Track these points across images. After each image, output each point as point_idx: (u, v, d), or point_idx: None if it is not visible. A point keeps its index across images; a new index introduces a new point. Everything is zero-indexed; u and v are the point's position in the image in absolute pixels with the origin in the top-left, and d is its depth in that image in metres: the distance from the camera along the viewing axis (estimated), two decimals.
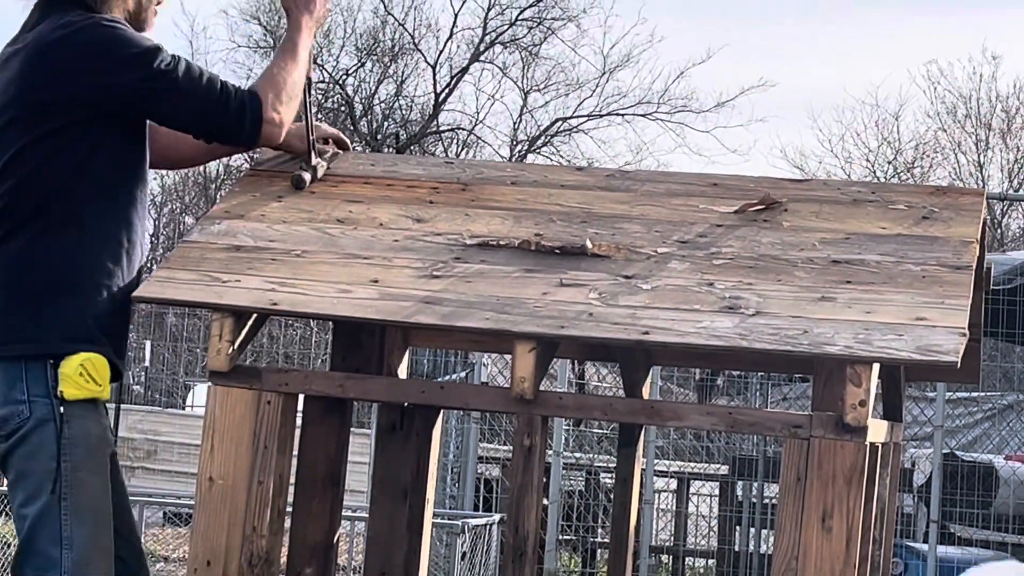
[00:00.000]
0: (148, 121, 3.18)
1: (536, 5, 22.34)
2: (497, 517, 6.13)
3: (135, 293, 3.13)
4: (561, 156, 23.24)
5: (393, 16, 22.17)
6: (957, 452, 8.14)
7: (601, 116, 23.35)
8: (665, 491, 8.10)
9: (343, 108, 22.87)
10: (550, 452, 6.57)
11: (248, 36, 23.99)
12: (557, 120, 23.66)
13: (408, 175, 3.66)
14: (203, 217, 3.61)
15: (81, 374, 2.99)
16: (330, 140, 3.68)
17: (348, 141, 3.76)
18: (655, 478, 6.90)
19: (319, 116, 18.31)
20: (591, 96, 23.16)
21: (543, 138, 23.68)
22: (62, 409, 2.99)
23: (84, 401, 3.03)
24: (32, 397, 3.03)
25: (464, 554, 5.42)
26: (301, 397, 3.36)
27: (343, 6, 22.40)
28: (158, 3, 3.33)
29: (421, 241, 3.33)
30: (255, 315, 3.14)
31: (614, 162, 21.84)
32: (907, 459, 6.59)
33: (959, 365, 2.89)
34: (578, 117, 23.48)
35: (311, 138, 3.47)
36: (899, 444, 4.10)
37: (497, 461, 7.78)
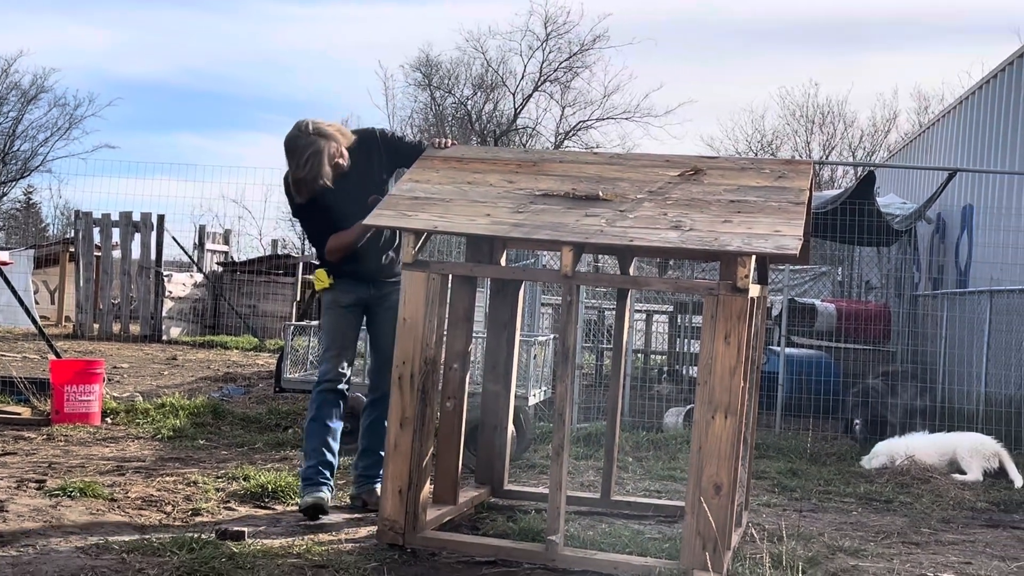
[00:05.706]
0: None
1: (569, 60, 35.47)
2: (552, 336, 8.12)
3: (363, 222, 4.57)
4: (582, 143, 35.91)
5: (492, 67, 35.96)
6: (795, 298, 12.05)
7: (603, 120, 36.53)
8: (639, 320, 12.07)
9: (466, 118, 36.01)
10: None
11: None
12: (578, 123, 36.69)
13: (504, 157, 4.98)
14: (397, 182, 4.83)
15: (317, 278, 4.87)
16: (445, 142, 5.09)
17: (452, 141, 5.14)
18: (634, 313, 10.27)
19: (447, 131, 33.03)
20: (597, 108, 36.37)
21: (572, 133, 36.45)
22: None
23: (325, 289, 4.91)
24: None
25: (535, 355, 6.95)
26: (451, 276, 4.66)
27: (465, 62, 35.72)
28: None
29: (512, 193, 4.56)
30: (425, 233, 4.46)
31: (611, 148, 34.25)
32: (770, 303, 9.46)
33: (798, 255, 4.12)
34: (591, 121, 36.63)
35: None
36: (765, 296, 5.20)
37: (552, 306, 11.26)
